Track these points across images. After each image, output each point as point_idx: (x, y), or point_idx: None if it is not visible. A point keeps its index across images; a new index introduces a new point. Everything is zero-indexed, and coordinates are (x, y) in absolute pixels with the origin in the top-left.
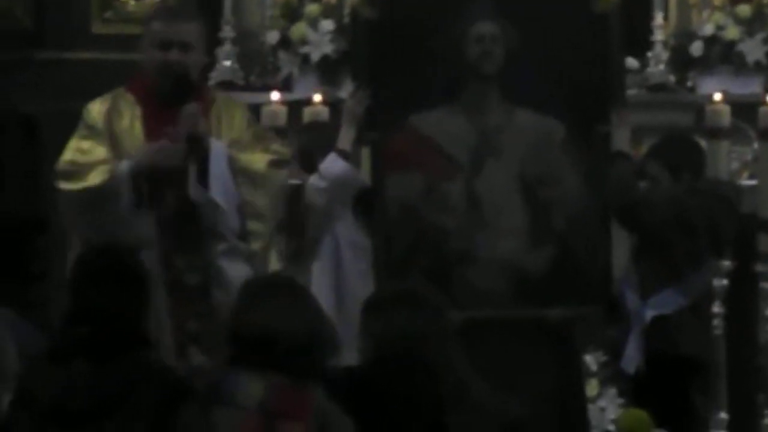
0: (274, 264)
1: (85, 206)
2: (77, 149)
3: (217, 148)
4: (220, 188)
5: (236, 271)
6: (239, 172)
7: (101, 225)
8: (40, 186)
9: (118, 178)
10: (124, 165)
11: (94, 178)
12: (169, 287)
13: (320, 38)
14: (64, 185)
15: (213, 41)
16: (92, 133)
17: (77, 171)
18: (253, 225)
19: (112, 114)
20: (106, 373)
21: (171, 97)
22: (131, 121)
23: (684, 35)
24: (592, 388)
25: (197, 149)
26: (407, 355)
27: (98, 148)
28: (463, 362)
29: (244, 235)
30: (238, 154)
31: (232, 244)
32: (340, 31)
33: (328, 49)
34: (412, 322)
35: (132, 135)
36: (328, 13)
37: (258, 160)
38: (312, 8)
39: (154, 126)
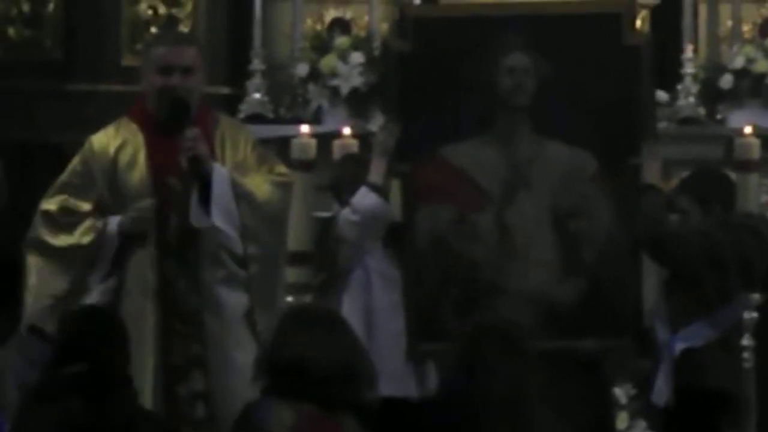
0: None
1: (66, 262)
2: (69, 194)
3: (220, 172)
4: (223, 212)
5: (233, 299)
6: (241, 196)
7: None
8: None
9: (108, 237)
10: (113, 225)
11: (82, 237)
12: (169, 312)
13: (350, 71)
14: (49, 238)
15: (242, 74)
16: (86, 172)
17: (66, 223)
18: (251, 249)
19: (115, 145)
20: (104, 411)
21: (171, 122)
22: (135, 149)
23: (714, 68)
24: (621, 420)
25: (199, 173)
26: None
27: (88, 195)
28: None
29: (245, 262)
30: (241, 178)
31: (232, 270)
32: (369, 63)
33: (357, 81)
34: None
35: (136, 164)
36: (357, 45)
37: (261, 183)
38: (342, 41)
39: (157, 153)
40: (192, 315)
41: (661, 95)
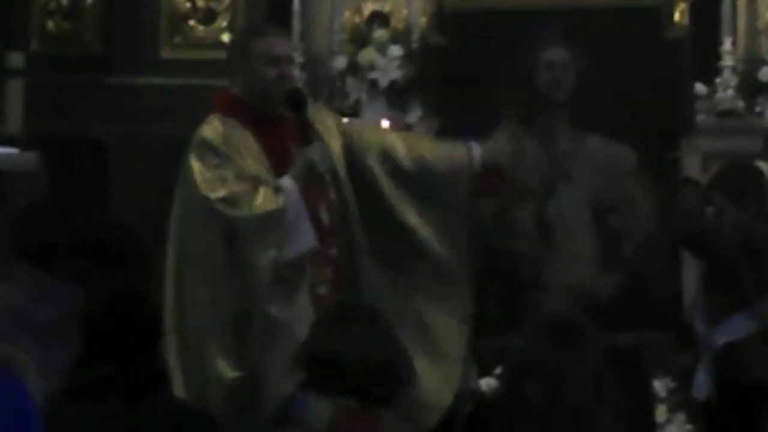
0: None
1: (262, 230)
2: (221, 177)
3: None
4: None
5: None
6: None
7: (267, 249)
8: (108, 209)
9: (293, 199)
10: (290, 184)
11: (268, 203)
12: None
13: (388, 64)
14: (236, 212)
15: None
16: (222, 159)
17: (240, 199)
18: None
19: (228, 137)
20: (142, 412)
21: (294, 111)
22: (244, 141)
23: (752, 61)
24: (661, 414)
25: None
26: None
27: (241, 173)
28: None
29: None
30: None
31: None
32: (408, 56)
33: (396, 74)
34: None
35: (252, 156)
36: (396, 38)
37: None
38: (380, 34)
39: (268, 144)
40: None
41: (700, 88)
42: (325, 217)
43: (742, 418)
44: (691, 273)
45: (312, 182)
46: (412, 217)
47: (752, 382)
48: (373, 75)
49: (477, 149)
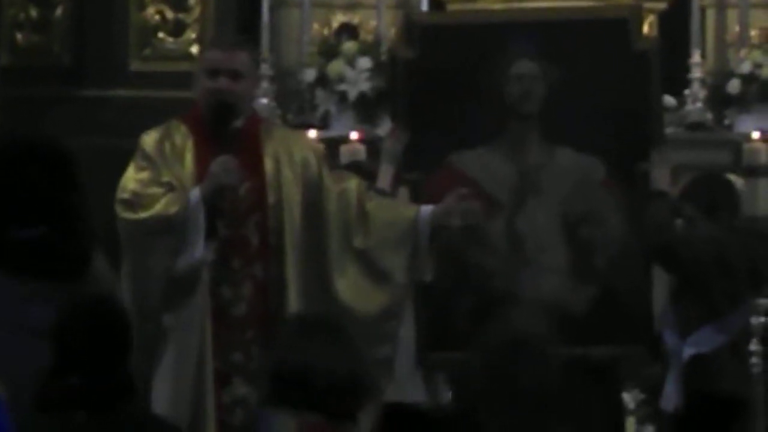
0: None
1: (148, 234)
2: (137, 180)
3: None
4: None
5: None
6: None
7: (156, 254)
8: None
9: (192, 207)
10: (195, 193)
11: (164, 208)
12: (215, 317)
13: (357, 76)
14: (127, 215)
15: None
16: (149, 163)
17: (140, 202)
18: None
19: (164, 143)
20: (107, 424)
21: (214, 125)
22: (182, 150)
23: (721, 73)
24: (630, 425)
25: (218, 202)
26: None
27: (158, 179)
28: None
29: None
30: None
31: None
32: (377, 68)
33: (365, 86)
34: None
35: (182, 164)
36: (365, 50)
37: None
38: (349, 46)
39: (203, 155)
40: (241, 320)
41: (669, 100)
42: (252, 235)
43: (710, 430)
44: (660, 284)
45: (242, 200)
46: (341, 282)
47: (721, 394)
48: (342, 87)
49: (426, 213)
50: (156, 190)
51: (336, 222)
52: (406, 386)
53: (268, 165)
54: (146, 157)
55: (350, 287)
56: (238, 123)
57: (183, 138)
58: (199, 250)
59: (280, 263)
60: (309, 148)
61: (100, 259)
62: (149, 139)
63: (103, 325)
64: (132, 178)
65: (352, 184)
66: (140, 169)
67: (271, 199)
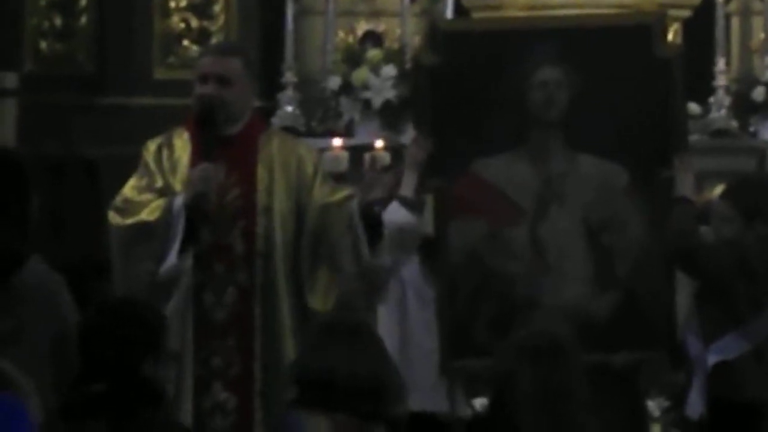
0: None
1: (131, 241)
2: (133, 186)
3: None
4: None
5: None
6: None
7: (140, 260)
8: (101, 230)
9: (174, 213)
10: (179, 200)
11: (147, 215)
12: (196, 322)
13: (382, 84)
14: (115, 221)
15: (275, 87)
16: (147, 170)
17: (128, 208)
18: None
19: (163, 150)
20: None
21: (200, 130)
22: (180, 157)
23: (746, 81)
24: None
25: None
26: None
27: (153, 185)
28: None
29: None
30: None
31: None
32: (402, 76)
33: (389, 94)
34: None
35: (179, 170)
36: (389, 58)
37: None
38: (374, 54)
39: (197, 161)
40: (222, 325)
41: (694, 108)
42: (237, 241)
43: None
44: (682, 292)
45: (229, 206)
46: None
47: (745, 401)
48: (366, 95)
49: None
50: (147, 197)
51: (308, 237)
52: (430, 396)
53: (261, 172)
54: (145, 164)
55: (320, 300)
56: (234, 129)
57: (183, 144)
58: (173, 255)
59: (269, 270)
60: (308, 157)
61: (42, 267)
62: (151, 147)
63: (126, 326)
64: (130, 185)
65: (339, 201)
66: (140, 176)
67: (260, 205)
